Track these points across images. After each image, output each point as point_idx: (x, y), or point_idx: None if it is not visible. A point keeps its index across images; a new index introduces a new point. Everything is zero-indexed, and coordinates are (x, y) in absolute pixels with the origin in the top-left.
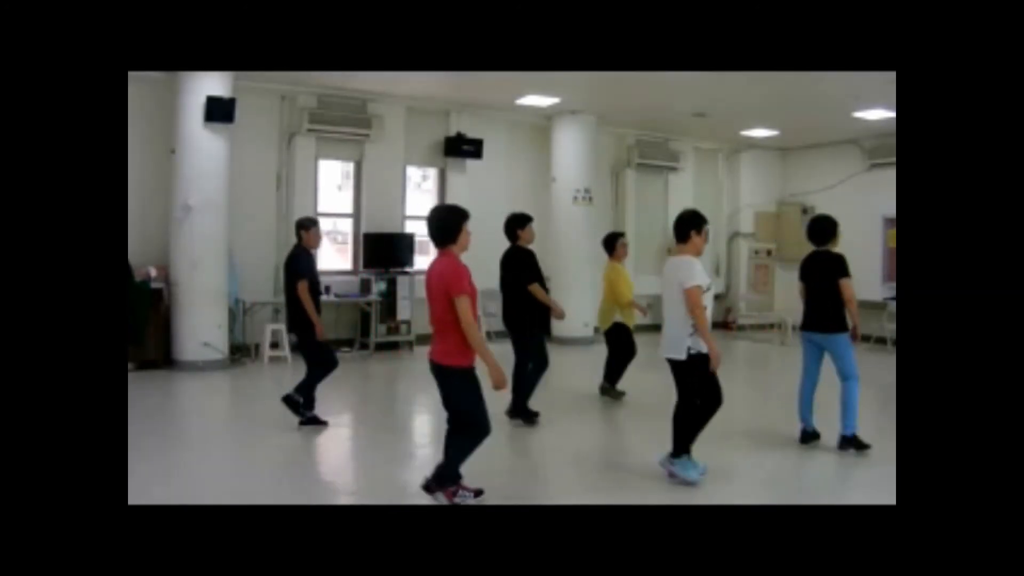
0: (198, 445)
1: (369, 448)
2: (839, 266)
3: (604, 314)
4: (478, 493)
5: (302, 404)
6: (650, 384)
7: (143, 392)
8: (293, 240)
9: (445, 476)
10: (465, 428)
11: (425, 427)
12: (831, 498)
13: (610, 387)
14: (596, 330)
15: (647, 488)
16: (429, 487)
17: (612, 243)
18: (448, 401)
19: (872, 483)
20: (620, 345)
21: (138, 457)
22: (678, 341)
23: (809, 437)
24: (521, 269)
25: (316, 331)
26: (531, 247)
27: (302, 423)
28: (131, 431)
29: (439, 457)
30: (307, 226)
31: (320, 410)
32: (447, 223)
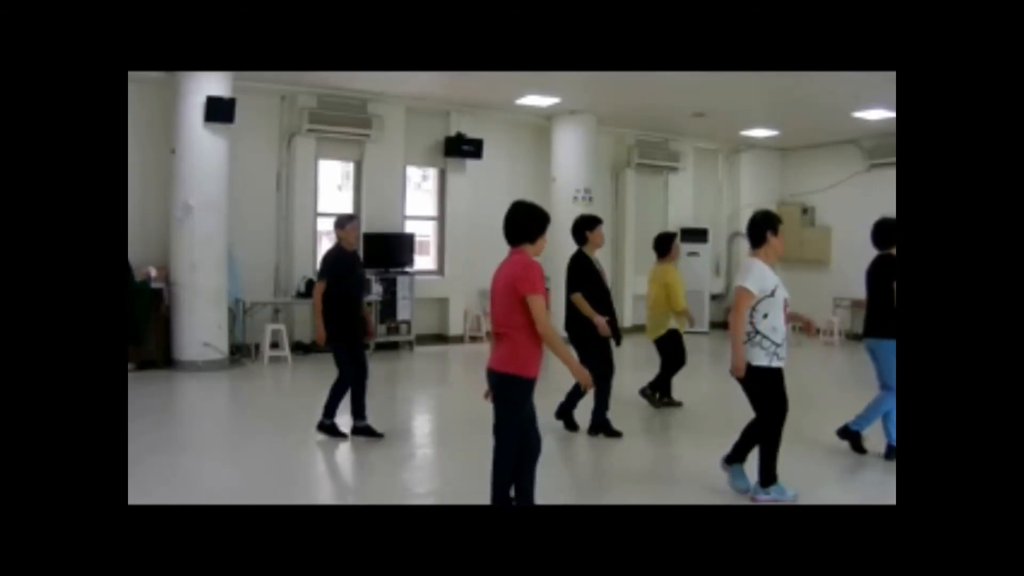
0: (198, 445)
1: (369, 448)
2: (890, 268)
3: (656, 321)
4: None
5: (329, 410)
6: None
7: (143, 392)
8: (293, 240)
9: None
10: (496, 438)
11: (425, 427)
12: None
13: (662, 396)
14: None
15: (653, 489)
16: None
17: (668, 244)
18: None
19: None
20: (675, 352)
21: (138, 457)
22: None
23: (893, 452)
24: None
25: (318, 336)
26: (594, 253)
27: (320, 428)
28: (131, 431)
29: (438, 457)
30: (339, 224)
31: (319, 410)
32: (530, 221)
